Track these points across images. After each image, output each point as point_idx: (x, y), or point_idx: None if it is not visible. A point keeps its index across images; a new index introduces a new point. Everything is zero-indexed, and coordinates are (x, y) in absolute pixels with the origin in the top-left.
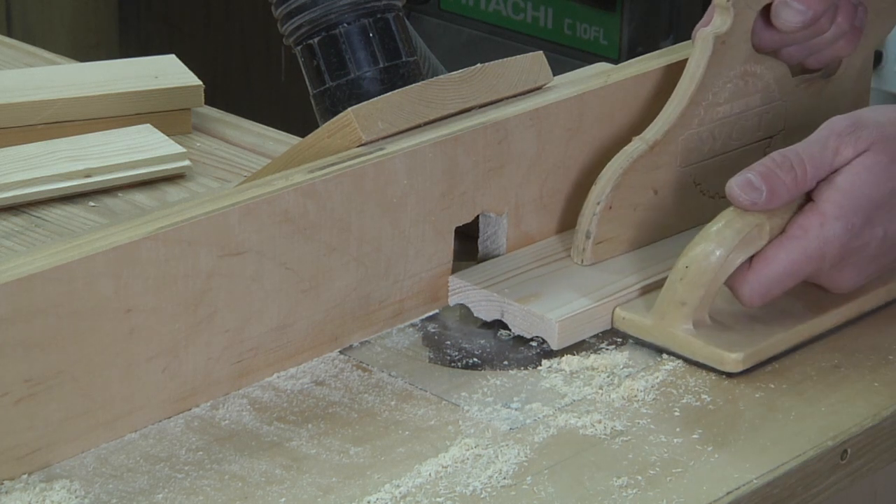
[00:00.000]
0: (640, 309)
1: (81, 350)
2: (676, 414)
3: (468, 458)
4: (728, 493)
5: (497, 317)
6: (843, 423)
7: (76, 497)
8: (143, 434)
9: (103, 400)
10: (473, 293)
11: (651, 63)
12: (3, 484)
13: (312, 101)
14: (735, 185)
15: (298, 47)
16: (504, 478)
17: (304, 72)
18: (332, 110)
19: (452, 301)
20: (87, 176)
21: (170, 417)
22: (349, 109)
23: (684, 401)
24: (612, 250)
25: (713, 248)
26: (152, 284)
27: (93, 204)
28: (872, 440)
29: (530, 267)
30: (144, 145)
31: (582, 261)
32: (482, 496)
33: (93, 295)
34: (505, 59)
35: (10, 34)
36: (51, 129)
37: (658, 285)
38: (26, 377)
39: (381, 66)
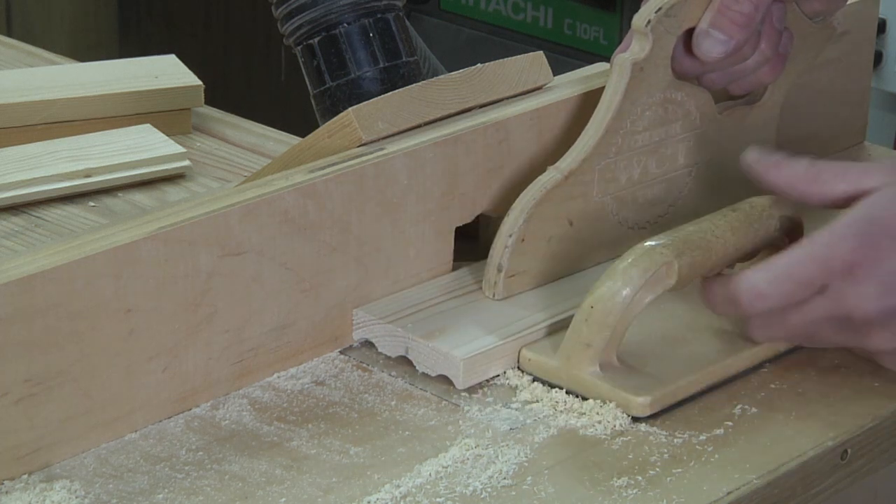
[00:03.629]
0: (546, 349)
1: (81, 350)
2: (676, 414)
3: (468, 458)
4: (728, 493)
5: (402, 353)
6: (843, 423)
7: (76, 497)
8: (143, 434)
9: (103, 400)
10: (378, 328)
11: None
12: (3, 484)
13: (312, 101)
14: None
15: (298, 47)
16: (504, 478)
17: (304, 72)
18: (333, 110)
19: (357, 336)
20: (87, 176)
21: (170, 417)
22: (349, 109)
23: None
24: (526, 283)
25: (619, 286)
26: (152, 284)
27: (93, 204)
28: (872, 440)
29: (439, 300)
30: (144, 145)
31: (494, 295)
32: (482, 496)
33: (93, 295)
34: (505, 59)
35: (10, 34)
36: (51, 129)
37: (568, 322)
38: (26, 377)
39: (382, 66)
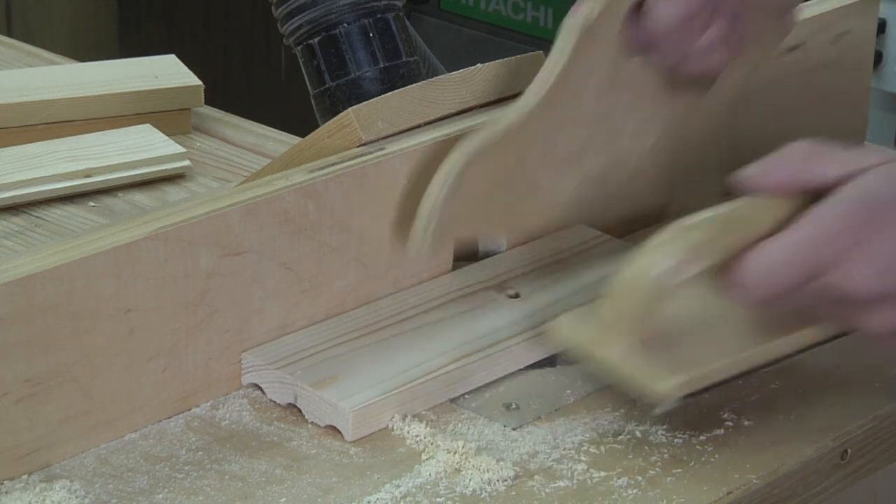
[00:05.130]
0: (580, 322)
1: (81, 350)
2: (677, 414)
3: (468, 458)
4: (728, 493)
5: (291, 401)
6: (843, 423)
7: (76, 497)
8: (143, 434)
9: (103, 400)
10: (266, 373)
11: None
12: (3, 484)
13: (312, 101)
14: None
15: (298, 47)
16: (504, 478)
17: (304, 72)
18: (333, 110)
19: (245, 380)
20: (87, 176)
21: (170, 417)
22: (349, 109)
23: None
24: (450, 239)
25: (655, 263)
26: (152, 284)
27: (93, 204)
28: (872, 440)
29: (334, 343)
30: (144, 145)
31: (417, 253)
32: (482, 496)
33: (93, 295)
34: (505, 59)
35: (10, 34)
36: (51, 129)
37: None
38: (26, 377)
39: (381, 66)
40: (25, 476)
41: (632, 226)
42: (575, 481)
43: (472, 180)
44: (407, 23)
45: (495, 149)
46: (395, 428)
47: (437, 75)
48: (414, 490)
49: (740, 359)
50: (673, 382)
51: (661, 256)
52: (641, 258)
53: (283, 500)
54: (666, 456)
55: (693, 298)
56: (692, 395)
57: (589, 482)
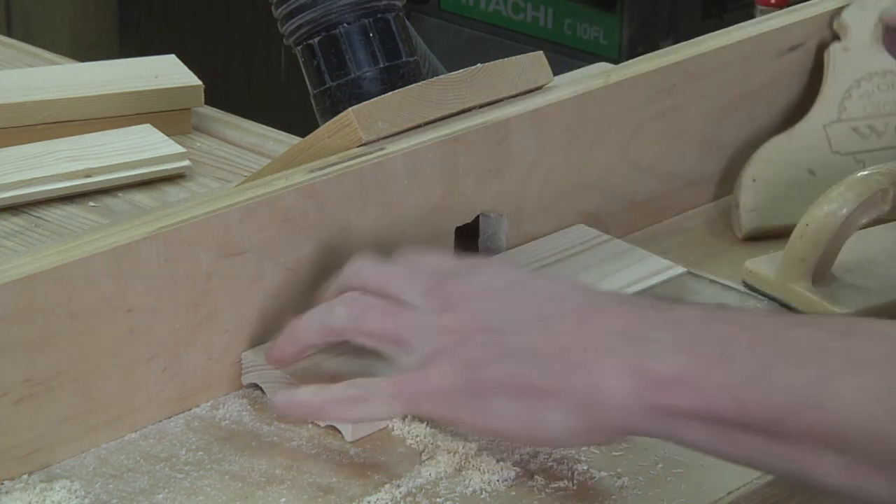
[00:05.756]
0: (767, 263)
1: (81, 350)
2: None
3: (468, 459)
4: (728, 493)
5: None
6: None
7: (76, 497)
8: (143, 434)
9: (103, 400)
10: (266, 373)
11: (651, 63)
12: (3, 484)
13: (312, 101)
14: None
15: (298, 47)
16: (504, 478)
17: (304, 72)
18: (333, 110)
19: (245, 380)
20: (87, 176)
21: (170, 417)
22: (349, 109)
23: None
24: (763, 219)
25: (834, 208)
26: (152, 284)
27: (93, 204)
28: None
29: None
30: (144, 145)
31: (740, 231)
32: (482, 496)
33: (93, 295)
34: (505, 59)
35: (10, 34)
36: (51, 129)
37: None
38: (26, 377)
39: (382, 66)
40: (25, 476)
41: (632, 225)
42: (575, 481)
43: (767, 166)
44: (407, 23)
45: (786, 142)
46: (395, 428)
47: (437, 75)
48: (414, 490)
49: None
50: (846, 311)
51: (839, 202)
52: (822, 203)
53: (283, 500)
54: (666, 456)
55: (874, 239)
56: None
57: (589, 482)
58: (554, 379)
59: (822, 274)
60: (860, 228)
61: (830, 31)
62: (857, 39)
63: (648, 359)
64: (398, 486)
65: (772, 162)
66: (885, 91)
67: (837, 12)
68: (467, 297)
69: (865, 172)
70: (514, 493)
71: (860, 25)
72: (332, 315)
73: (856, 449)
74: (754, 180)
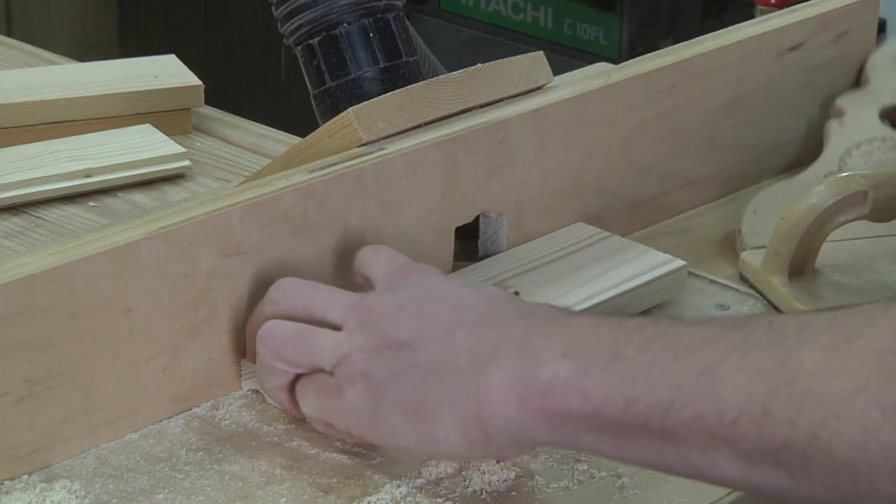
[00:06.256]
0: (758, 257)
1: (81, 350)
2: None
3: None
4: (729, 493)
5: None
6: None
7: (76, 497)
8: (143, 434)
9: (103, 400)
10: None
11: (651, 63)
12: (3, 484)
13: (312, 101)
14: None
15: (298, 47)
16: (504, 478)
17: (304, 72)
18: (333, 110)
19: (245, 386)
20: (87, 176)
21: (170, 417)
22: (349, 109)
23: None
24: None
25: (808, 204)
26: (152, 284)
27: (93, 204)
28: None
29: None
30: (144, 145)
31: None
32: (482, 496)
33: (93, 295)
34: (505, 59)
35: (10, 34)
36: (51, 129)
37: None
38: (26, 377)
39: (382, 66)
40: (25, 476)
41: (632, 225)
42: (576, 481)
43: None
44: (407, 23)
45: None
46: None
47: (437, 75)
48: (414, 490)
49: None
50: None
51: (814, 198)
52: (800, 199)
53: (283, 500)
54: None
55: (863, 244)
56: None
57: (590, 482)
58: (444, 395)
59: (800, 269)
60: (837, 227)
61: (830, 32)
62: (856, 118)
63: (535, 367)
64: (398, 486)
65: (772, 198)
66: (885, 151)
67: (837, 12)
68: (385, 311)
69: (846, 174)
70: (514, 493)
71: (858, 104)
72: (258, 352)
73: (745, 436)
74: (755, 213)
